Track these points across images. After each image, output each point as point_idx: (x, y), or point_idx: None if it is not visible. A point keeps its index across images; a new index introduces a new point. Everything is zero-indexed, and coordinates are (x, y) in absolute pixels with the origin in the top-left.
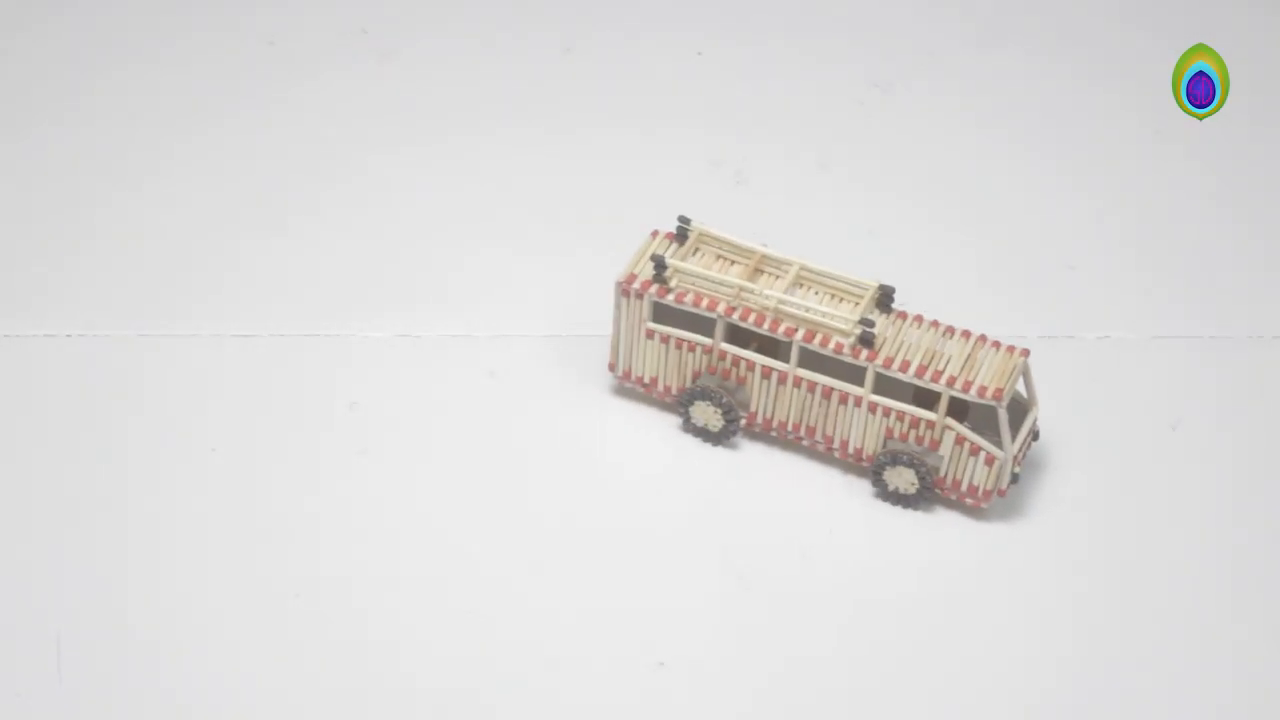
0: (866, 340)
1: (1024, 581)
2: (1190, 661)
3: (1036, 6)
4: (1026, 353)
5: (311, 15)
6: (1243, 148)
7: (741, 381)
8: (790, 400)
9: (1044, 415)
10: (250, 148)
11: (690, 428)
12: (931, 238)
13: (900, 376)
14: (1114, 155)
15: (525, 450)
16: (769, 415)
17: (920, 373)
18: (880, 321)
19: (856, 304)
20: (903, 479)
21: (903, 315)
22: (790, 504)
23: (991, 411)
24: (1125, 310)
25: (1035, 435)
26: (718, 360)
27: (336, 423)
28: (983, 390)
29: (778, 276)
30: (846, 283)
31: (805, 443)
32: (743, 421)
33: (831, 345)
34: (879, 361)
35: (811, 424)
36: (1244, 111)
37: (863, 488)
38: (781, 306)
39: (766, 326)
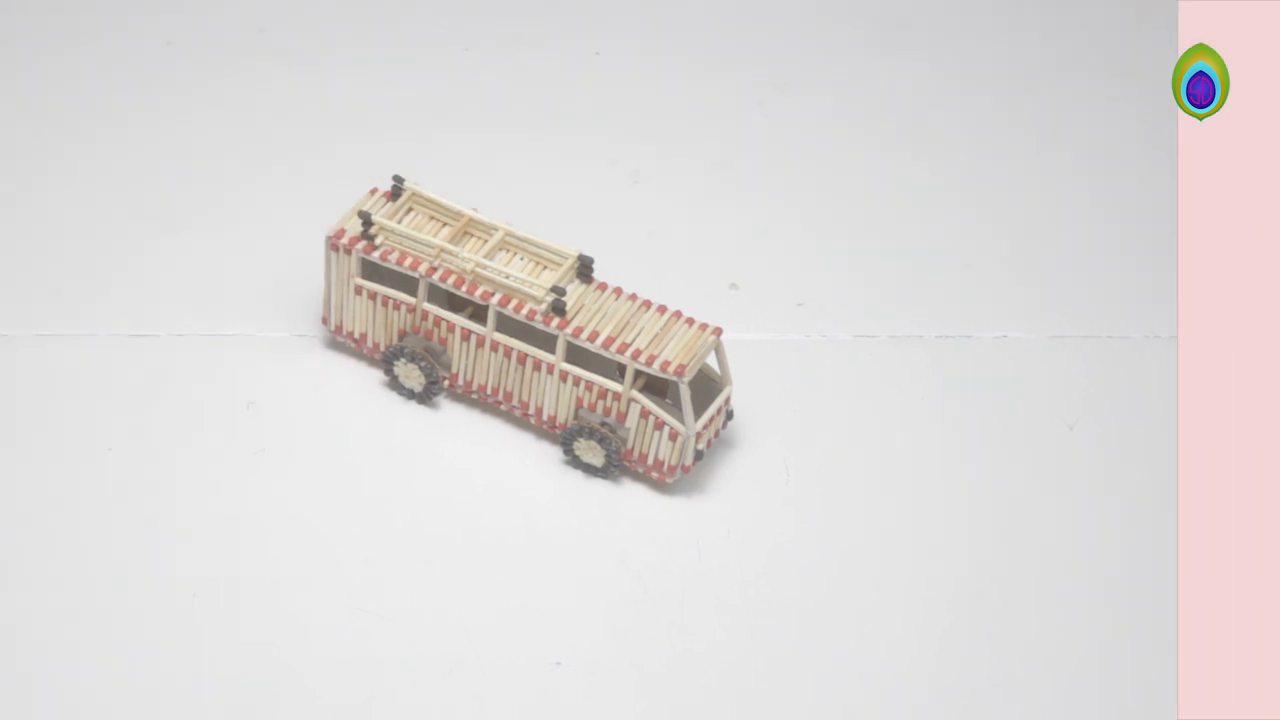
0: (558, 308)
1: (911, 581)
2: (1084, 659)
3: (933, 7)
4: (719, 331)
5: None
6: (1133, 151)
7: (443, 343)
8: (488, 364)
9: (944, 413)
10: (148, 148)
11: (395, 385)
12: (826, 237)
13: (588, 346)
14: (1009, 155)
15: (419, 456)
16: (469, 377)
17: (607, 344)
18: (579, 291)
19: (556, 272)
20: (590, 451)
21: (603, 286)
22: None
23: (688, 387)
24: (1023, 310)
25: (729, 415)
26: (421, 320)
27: (235, 422)
28: (665, 365)
29: (484, 240)
30: (550, 251)
31: (504, 407)
32: (445, 383)
33: (524, 311)
34: (569, 330)
35: (509, 389)
36: (1133, 110)
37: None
38: (479, 270)
39: (465, 289)
